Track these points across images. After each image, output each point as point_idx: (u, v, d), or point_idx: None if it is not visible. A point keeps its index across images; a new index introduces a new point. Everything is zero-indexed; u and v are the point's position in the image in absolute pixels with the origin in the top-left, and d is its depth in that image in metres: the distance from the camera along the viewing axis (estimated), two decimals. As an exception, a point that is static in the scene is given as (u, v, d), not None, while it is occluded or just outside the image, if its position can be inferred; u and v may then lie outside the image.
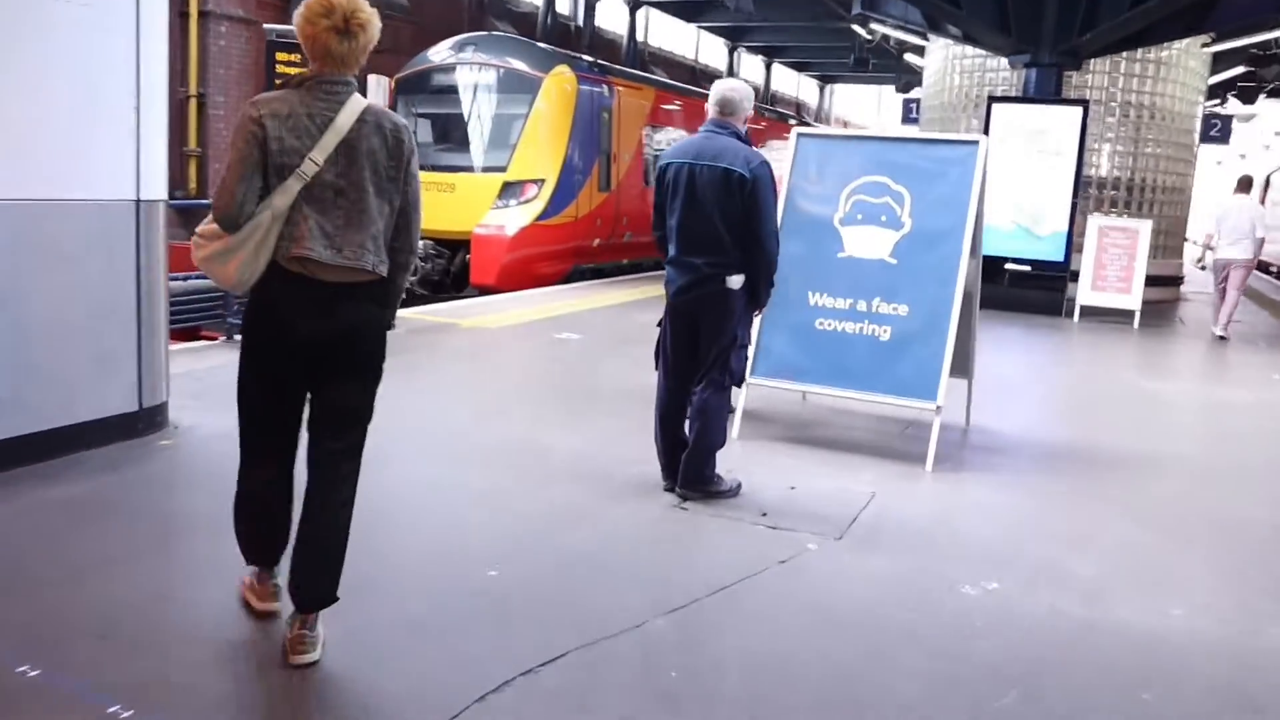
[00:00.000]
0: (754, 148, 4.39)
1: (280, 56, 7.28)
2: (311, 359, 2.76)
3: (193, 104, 13.68)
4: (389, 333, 2.91)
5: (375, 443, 2.97)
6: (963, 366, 5.91)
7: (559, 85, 12.98)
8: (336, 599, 2.86)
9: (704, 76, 28.77)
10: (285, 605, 2.94)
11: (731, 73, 31.76)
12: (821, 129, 13.88)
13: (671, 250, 4.43)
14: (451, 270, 12.49)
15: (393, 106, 8.80)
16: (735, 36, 30.93)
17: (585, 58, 14.86)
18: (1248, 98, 18.65)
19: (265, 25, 6.91)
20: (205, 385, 6.01)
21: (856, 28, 24.39)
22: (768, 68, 35.46)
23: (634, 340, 8.74)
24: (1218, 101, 18.06)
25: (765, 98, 33.69)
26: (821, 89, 42.08)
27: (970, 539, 4.26)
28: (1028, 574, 3.86)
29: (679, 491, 4.51)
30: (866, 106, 46.14)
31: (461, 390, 6.67)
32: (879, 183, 5.61)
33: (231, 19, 13.86)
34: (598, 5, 22.90)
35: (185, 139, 13.71)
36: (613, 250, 14.53)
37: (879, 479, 5.01)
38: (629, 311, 10.63)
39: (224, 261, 2.66)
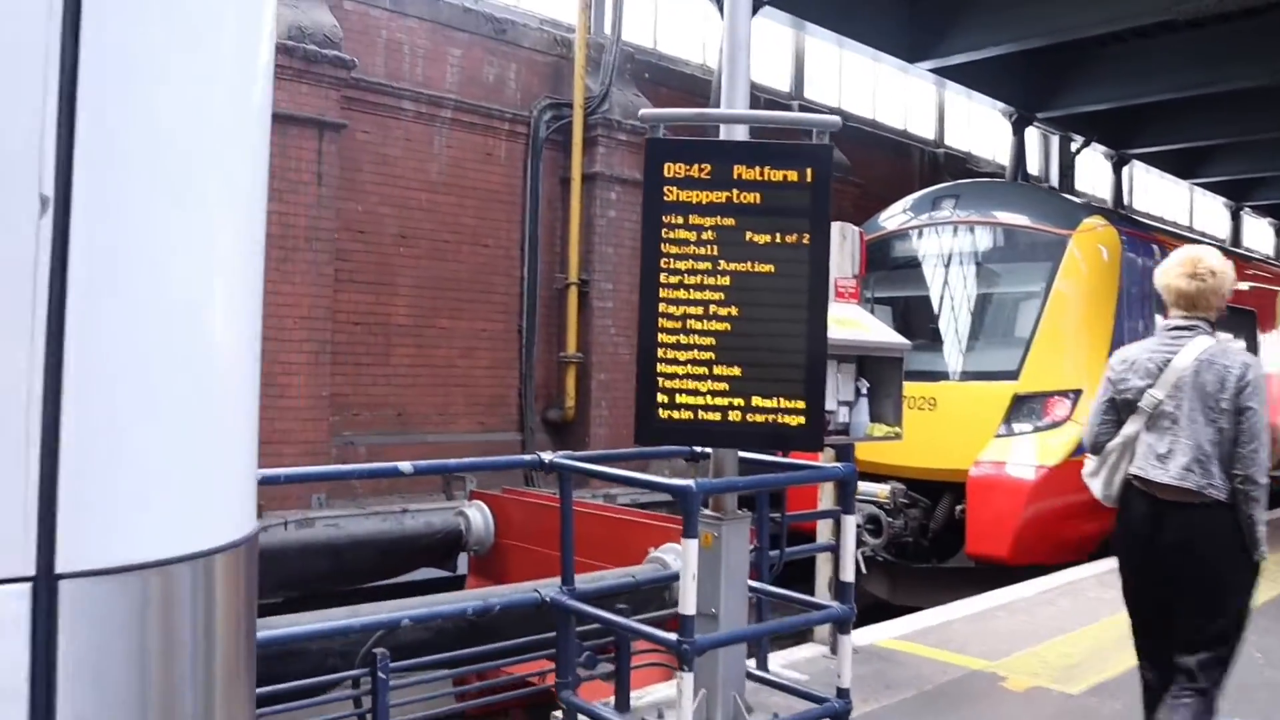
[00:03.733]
0: None
1: (670, 170, 3.49)
2: (1155, 567, 3.24)
3: (573, 294, 10.49)
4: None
5: None
6: None
7: (1093, 247, 8.35)
8: None
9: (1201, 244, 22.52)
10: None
11: (1235, 239, 25.11)
12: None
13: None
14: (932, 528, 7.93)
15: (865, 261, 5.25)
16: (1239, 194, 24.40)
17: (1111, 208, 10.12)
18: None
19: (650, 135, 2.97)
20: None
21: None
22: (1278, 232, 28.04)
23: None
24: None
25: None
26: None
27: None
28: None
29: None
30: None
31: None
32: None
33: (624, 182, 10.62)
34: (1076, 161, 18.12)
35: (563, 342, 10.60)
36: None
37: None
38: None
39: (1091, 478, 3.41)
